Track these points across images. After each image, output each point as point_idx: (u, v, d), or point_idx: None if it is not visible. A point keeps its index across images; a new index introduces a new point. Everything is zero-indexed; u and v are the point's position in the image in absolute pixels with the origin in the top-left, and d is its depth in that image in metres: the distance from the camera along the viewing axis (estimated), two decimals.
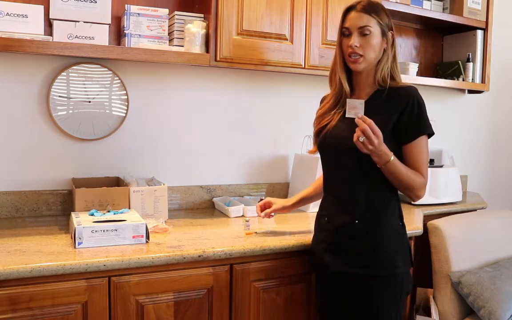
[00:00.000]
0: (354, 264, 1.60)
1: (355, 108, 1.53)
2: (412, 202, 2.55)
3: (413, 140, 1.60)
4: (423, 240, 2.31)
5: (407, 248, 1.67)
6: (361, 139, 1.49)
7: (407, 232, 1.71)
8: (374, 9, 1.61)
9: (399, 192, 1.66)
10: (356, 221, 1.61)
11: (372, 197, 1.60)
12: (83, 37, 1.94)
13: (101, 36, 1.97)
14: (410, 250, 1.69)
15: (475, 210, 2.75)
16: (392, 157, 1.53)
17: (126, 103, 2.18)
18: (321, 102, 1.82)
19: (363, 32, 1.59)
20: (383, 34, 1.62)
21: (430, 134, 1.63)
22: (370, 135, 1.47)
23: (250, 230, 1.92)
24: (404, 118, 1.59)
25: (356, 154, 1.57)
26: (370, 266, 1.59)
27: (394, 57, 1.66)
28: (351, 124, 1.60)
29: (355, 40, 1.59)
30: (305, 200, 1.96)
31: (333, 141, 1.66)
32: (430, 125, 1.62)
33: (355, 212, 1.61)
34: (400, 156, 1.60)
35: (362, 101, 1.53)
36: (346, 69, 1.68)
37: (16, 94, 2.01)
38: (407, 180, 1.57)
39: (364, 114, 1.53)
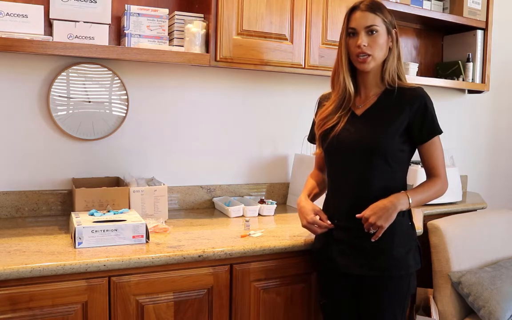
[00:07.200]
0: (367, 265, 1.60)
1: None
2: None
3: (429, 140, 1.62)
4: (423, 240, 2.30)
5: (417, 247, 1.68)
6: (372, 231, 1.56)
7: None
8: (378, 8, 1.61)
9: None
10: None
11: (383, 197, 1.59)
12: (83, 37, 1.94)
13: (101, 36, 1.97)
14: (420, 249, 1.69)
15: (475, 210, 2.75)
16: (411, 200, 1.58)
17: (126, 103, 2.18)
18: (319, 103, 1.80)
19: (370, 31, 1.59)
20: (388, 32, 1.62)
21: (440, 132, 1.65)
22: (372, 221, 1.54)
23: (244, 231, 1.89)
24: (418, 119, 1.60)
25: (367, 156, 1.59)
26: (382, 267, 1.59)
27: (399, 56, 1.66)
28: (361, 126, 1.61)
29: (363, 40, 1.58)
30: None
31: (343, 144, 1.64)
32: (439, 124, 1.65)
33: None
34: (407, 154, 1.65)
35: None
36: (351, 69, 1.67)
37: (16, 94, 2.01)
38: (431, 198, 1.65)
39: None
